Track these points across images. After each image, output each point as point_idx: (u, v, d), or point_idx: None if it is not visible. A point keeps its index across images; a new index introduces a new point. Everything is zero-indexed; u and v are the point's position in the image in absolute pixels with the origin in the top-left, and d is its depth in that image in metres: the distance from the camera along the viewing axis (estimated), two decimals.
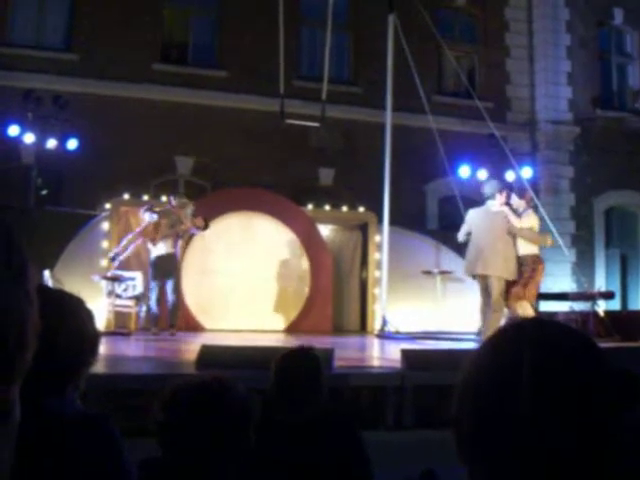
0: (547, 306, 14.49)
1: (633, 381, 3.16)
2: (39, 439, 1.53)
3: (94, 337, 1.77)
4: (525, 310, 9.99)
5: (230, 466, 1.98)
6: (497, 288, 9.63)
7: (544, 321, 1.13)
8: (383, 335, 11.92)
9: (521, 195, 10.35)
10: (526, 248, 9.91)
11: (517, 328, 1.10)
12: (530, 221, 9.96)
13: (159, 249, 11.17)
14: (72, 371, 1.69)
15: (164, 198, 12.70)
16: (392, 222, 13.04)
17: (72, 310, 1.71)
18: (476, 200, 15.30)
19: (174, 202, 11.56)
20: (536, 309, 10.29)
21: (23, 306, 0.64)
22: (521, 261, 9.89)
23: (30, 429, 1.19)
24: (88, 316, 1.78)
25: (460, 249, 13.81)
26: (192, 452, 1.92)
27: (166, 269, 11.10)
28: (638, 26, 20.04)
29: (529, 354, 1.01)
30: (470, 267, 9.89)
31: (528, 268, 9.85)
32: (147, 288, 11.50)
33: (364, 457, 3.17)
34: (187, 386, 2.02)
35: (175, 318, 11.24)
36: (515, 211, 10.01)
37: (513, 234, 9.81)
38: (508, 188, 10.44)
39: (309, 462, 2.97)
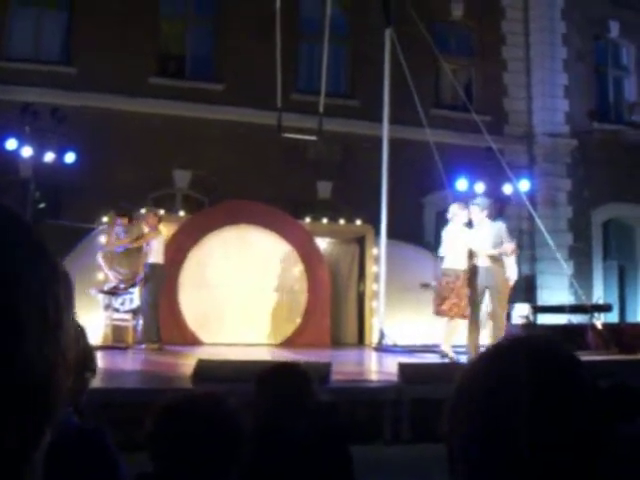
0: (544, 319, 14.48)
1: (627, 393, 3.16)
2: None
3: (86, 352, 1.77)
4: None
5: None
6: None
7: (534, 335, 1.13)
8: (381, 348, 11.90)
9: None
10: None
11: (512, 342, 1.10)
12: None
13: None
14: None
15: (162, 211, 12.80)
16: (390, 235, 13.03)
17: None
18: None
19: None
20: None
21: (51, 364, 0.62)
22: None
23: None
24: (79, 332, 1.77)
25: None
26: (183, 467, 1.91)
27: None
28: (634, 39, 20.13)
29: (526, 367, 1.01)
30: None
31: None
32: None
33: (349, 473, 3.15)
34: (178, 401, 2.01)
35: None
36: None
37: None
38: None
39: (296, 475, 2.96)
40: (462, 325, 10.14)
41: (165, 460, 1.93)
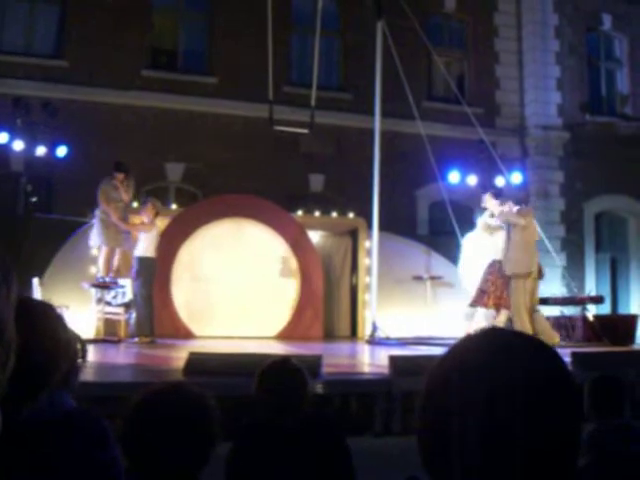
0: None
1: (615, 385, 3.20)
2: (14, 445, 1.53)
3: (66, 342, 1.75)
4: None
5: (194, 474, 2.00)
6: None
7: (516, 331, 1.13)
8: (373, 341, 11.90)
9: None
10: None
11: (508, 338, 1.08)
12: None
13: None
14: (44, 376, 1.67)
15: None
16: (382, 228, 13.02)
17: (38, 317, 1.69)
18: (466, 205, 15.37)
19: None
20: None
21: None
22: None
23: (4, 436, 1.20)
24: (58, 321, 1.76)
25: (450, 254, 13.87)
26: (153, 461, 1.93)
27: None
28: (627, 32, 20.15)
29: (521, 360, 1.01)
30: None
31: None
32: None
33: (347, 464, 3.17)
34: (146, 395, 2.03)
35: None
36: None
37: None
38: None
39: (292, 467, 2.98)
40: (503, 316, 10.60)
41: (136, 455, 1.95)
